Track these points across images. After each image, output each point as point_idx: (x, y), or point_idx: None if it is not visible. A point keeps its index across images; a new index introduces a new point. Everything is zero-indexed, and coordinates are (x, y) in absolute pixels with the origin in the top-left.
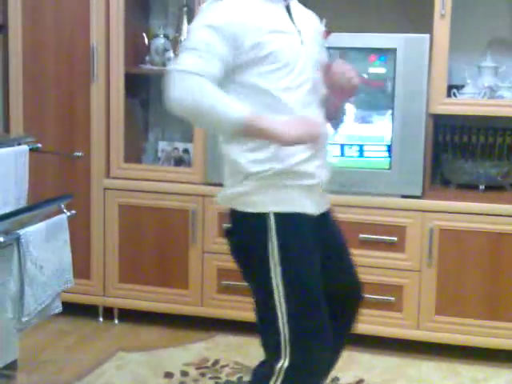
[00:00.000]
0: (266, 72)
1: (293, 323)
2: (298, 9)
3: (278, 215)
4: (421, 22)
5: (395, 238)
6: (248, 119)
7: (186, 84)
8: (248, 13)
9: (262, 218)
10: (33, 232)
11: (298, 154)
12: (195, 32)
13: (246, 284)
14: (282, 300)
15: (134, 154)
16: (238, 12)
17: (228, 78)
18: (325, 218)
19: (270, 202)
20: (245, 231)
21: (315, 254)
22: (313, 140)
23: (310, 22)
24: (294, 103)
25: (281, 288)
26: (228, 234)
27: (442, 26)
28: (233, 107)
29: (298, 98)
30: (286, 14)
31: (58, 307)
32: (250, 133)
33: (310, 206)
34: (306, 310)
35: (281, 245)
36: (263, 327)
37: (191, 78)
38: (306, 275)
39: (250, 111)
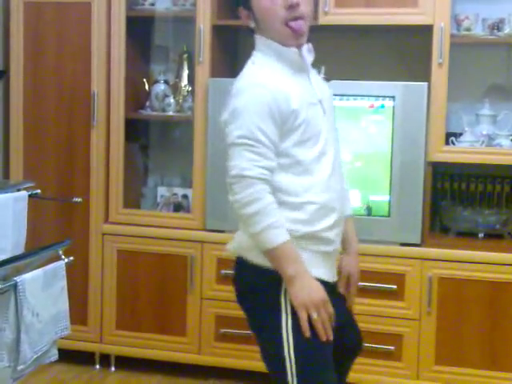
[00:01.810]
0: (300, 141)
1: (302, 381)
2: (316, 79)
3: None
4: (419, 70)
5: (394, 286)
6: (282, 252)
7: (250, 192)
8: (284, 84)
9: (277, 273)
10: (30, 279)
11: (324, 219)
12: (245, 117)
13: (244, 332)
14: (292, 356)
15: (133, 199)
16: (277, 85)
17: None
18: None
19: None
20: (257, 283)
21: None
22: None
23: (326, 92)
24: (321, 172)
25: (291, 345)
26: (236, 281)
27: (439, 75)
28: (279, 231)
29: (325, 167)
30: (310, 85)
31: (54, 355)
32: (274, 261)
33: (325, 272)
34: (316, 369)
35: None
36: (271, 375)
37: (256, 185)
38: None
39: (291, 246)
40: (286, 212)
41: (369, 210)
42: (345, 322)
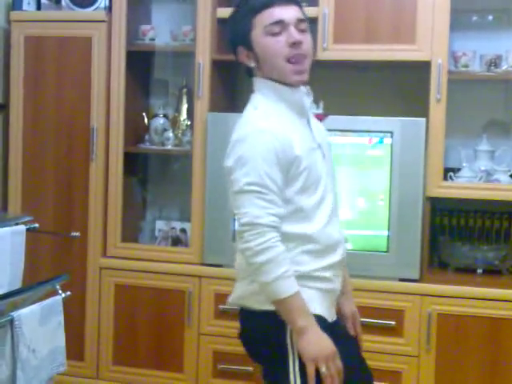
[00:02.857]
0: (302, 189)
1: None
2: (314, 122)
3: None
4: (417, 106)
5: (393, 322)
6: (292, 303)
7: (263, 240)
8: (287, 129)
9: (278, 315)
10: (27, 314)
11: (322, 260)
12: (253, 163)
13: (242, 368)
14: None
15: (131, 233)
16: (282, 131)
17: None
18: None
19: None
20: (261, 330)
21: None
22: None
23: (323, 134)
24: (321, 218)
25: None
26: (242, 335)
27: (437, 110)
28: (290, 282)
29: (324, 212)
30: (309, 129)
31: None
32: (284, 311)
33: (324, 309)
34: None
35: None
36: None
37: (268, 233)
38: None
39: (301, 298)
40: None
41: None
42: (353, 362)
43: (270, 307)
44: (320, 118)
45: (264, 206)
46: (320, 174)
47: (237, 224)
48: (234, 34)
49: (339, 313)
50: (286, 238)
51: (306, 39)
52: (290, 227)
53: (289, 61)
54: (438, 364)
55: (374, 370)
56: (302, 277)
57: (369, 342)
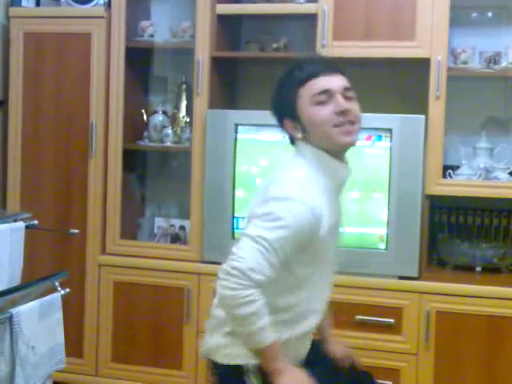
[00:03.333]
0: (306, 262)
1: None
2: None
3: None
4: (416, 103)
5: (392, 320)
6: (272, 349)
7: (249, 293)
8: (323, 203)
9: (240, 370)
10: (26, 311)
11: (290, 330)
12: (278, 225)
13: None
14: None
15: (130, 230)
16: (321, 209)
17: None
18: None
19: (251, 354)
20: (226, 381)
21: None
22: None
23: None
24: (314, 286)
25: None
26: None
27: (437, 107)
28: (271, 331)
29: (317, 283)
30: (338, 203)
31: None
32: (265, 357)
33: (297, 355)
34: None
35: None
36: None
37: (254, 288)
38: None
39: (279, 344)
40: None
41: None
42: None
43: (235, 362)
44: None
45: (263, 265)
46: (330, 252)
47: (226, 263)
48: (279, 106)
49: (334, 357)
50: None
51: (354, 107)
52: (281, 291)
53: (336, 125)
54: (437, 361)
55: (372, 367)
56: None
57: (367, 340)
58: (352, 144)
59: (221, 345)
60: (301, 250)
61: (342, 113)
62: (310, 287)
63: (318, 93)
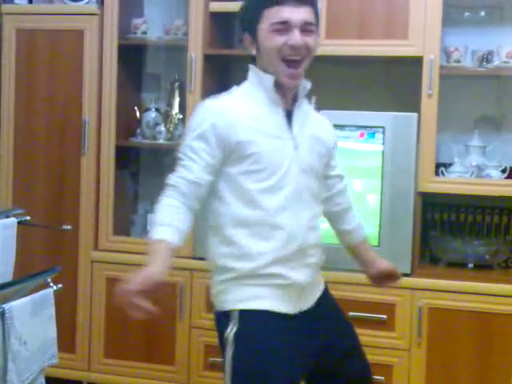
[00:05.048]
0: (247, 171)
1: None
2: (306, 115)
3: (242, 313)
4: (409, 101)
5: (384, 316)
6: (152, 246)
7: (163, 196)
8: (236, 112)
9: (228, 316)
10: (18, 306)
11: (261, 256)
12: (187, 135)
13: None
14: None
15: (122, 226)
16: (228, 114)
17: (220, 169)
18: (316, 310)
19: (237, 300)
20: (218, 329)
21: (281, 356)
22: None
23: (315, 130)
24: (270, 205)
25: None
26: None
27: (429, 106)
28: (161, 230)
29: (277, 201)
30: (283, 119)
31: None
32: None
33: (280, 303)
34: None
35: (239, 341)
36: None
37: (168, 191)
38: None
39: (160, 247)
40: (221, 245)
41: None
42: (346, 351)
43: (223, 307)
44: None
45: (177, 171)
46: (280, 163)
47: None
48: (244, 20)
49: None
50: (232, 221)
51: (310, 41)
52: (237, 209)
53: (285, 60)
54: (429, 357)
55: None
56: (248, 276)
57: (360, 336)
58: (294, 86)
59: (216, 292)
60: (237, 158)
61: (293, 47)
62: (269, 207)
63: (277, 22)
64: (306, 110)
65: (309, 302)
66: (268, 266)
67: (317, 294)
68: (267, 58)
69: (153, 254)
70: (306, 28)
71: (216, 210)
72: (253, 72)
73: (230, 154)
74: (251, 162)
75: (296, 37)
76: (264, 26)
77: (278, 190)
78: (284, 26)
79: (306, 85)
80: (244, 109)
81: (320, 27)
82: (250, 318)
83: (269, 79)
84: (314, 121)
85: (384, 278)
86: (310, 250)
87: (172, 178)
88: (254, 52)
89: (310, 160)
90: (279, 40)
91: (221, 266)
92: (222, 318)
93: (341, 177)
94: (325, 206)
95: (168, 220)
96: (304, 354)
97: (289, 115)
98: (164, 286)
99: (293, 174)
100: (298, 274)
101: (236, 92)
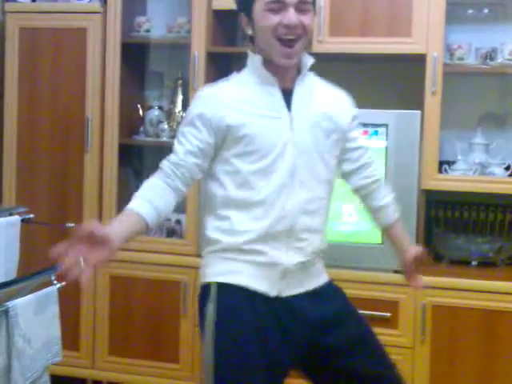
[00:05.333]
0: (241, 153)
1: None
2: (310, 92)
3: (220, 286)
4: (412, 98)
5: (388, 314)
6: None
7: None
8: (226, 97)
9: (208, 290)
10: (22, 304)
11: (248, 232)
12: (181, 126)
13: None
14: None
15: None
16: (214, 99)
17: (219, 152)
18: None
19: (216, 273)
20: (198, 306)
21: (256, 342)
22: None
23: (323, 106)
24: (263, 186)
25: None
26: None
27: (433, 103)
28: (134, 201)
29: (270, 182)
30: (280, 98)
31: (45, 381)
32: None
33: (259, 281)
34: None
35: (217, 315)
36: None
37: (156, 174)
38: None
39: (125, 212)
40: (213, 220)
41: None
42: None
43: (204, 280)
44: None
45: (174, 148)
46: (273, 145)
47: None
48: (239, 0)
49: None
50: (227, 201)
51: (306, 20)
52: (231, 191)
53: (280, 39)
54: (433, 355)
55: None
56: (230, 250)
57: None
58: (289, 65)
59: (202, 266)
60: (230, 142)
61: (288, 26)
62: (263, 188)
63: (272, 1)
64: (312, 86)
65: (297, 288)
66: (252, 242)
67: (313, 283)
68: (263, 37)
69: (116, 219)
70: (302, 7)
71: (213, 191)
72: (249, 56)
73: (224, 137)
74: (245, 143)
75: (291, 16)
76: (259, 6)
77: (271, 171)
78: (279, 5)
79: (308, 61)
80: (236, 92)
81: (323, 25)
82: (226, 295)
83: (258, 59)
84: (323, 96)
85: (412, 270)
86: (303, 234)
87: (162, 162)
88: (249, 32)
89: (311, 139)
90: (274, 19)
91: (208, 238)
92: (202, 293)
93: (364, 148)
94: (351, 180)
95: (147, 195)
96: (289, 339)
97: (290, 94)
98: (103, 241)
99: (288, 155)
100: (283, 255)
101: (233, 77)
